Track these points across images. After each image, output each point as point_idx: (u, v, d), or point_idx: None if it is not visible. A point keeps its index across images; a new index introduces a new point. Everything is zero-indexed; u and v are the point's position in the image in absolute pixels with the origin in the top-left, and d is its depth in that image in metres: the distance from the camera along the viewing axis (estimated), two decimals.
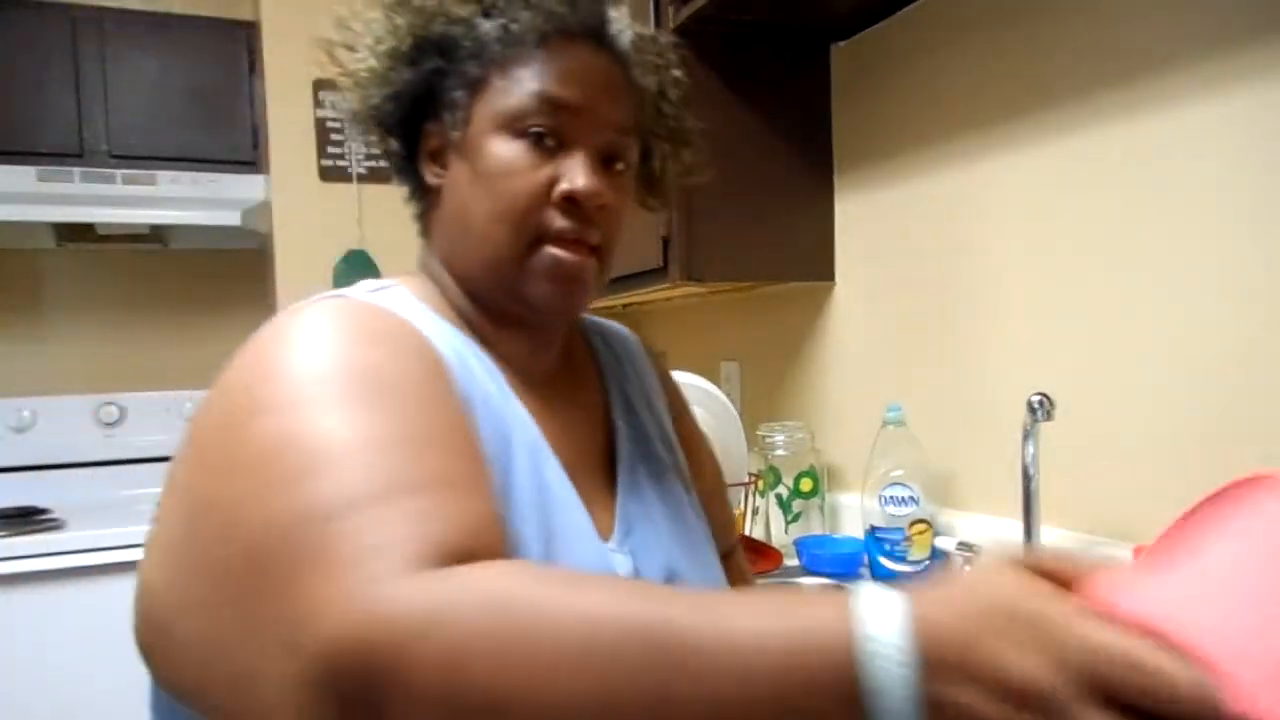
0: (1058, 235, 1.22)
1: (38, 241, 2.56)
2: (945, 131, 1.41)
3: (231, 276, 2.77)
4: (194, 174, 2.40)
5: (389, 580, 0.43)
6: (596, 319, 0.86)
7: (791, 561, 1.50)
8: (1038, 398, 1.10)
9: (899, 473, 1.34)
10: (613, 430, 0.77)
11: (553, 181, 0.66)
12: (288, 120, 2.40)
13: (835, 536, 1.60)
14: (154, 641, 0.57)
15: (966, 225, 1.38)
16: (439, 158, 0.71)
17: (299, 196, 2.41)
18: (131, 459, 2.49)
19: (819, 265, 1.67)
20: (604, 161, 0.68)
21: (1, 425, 2.43)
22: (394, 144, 0.73)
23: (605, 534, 0.69)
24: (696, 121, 0.78)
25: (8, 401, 2.45)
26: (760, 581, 1.39)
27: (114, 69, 2.35)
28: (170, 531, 0.56)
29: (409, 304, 0.67)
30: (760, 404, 1.91)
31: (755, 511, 1.64)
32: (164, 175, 2.37)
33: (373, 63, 0.69)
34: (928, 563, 1.32)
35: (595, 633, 0.40)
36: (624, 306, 2.27)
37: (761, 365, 1.94)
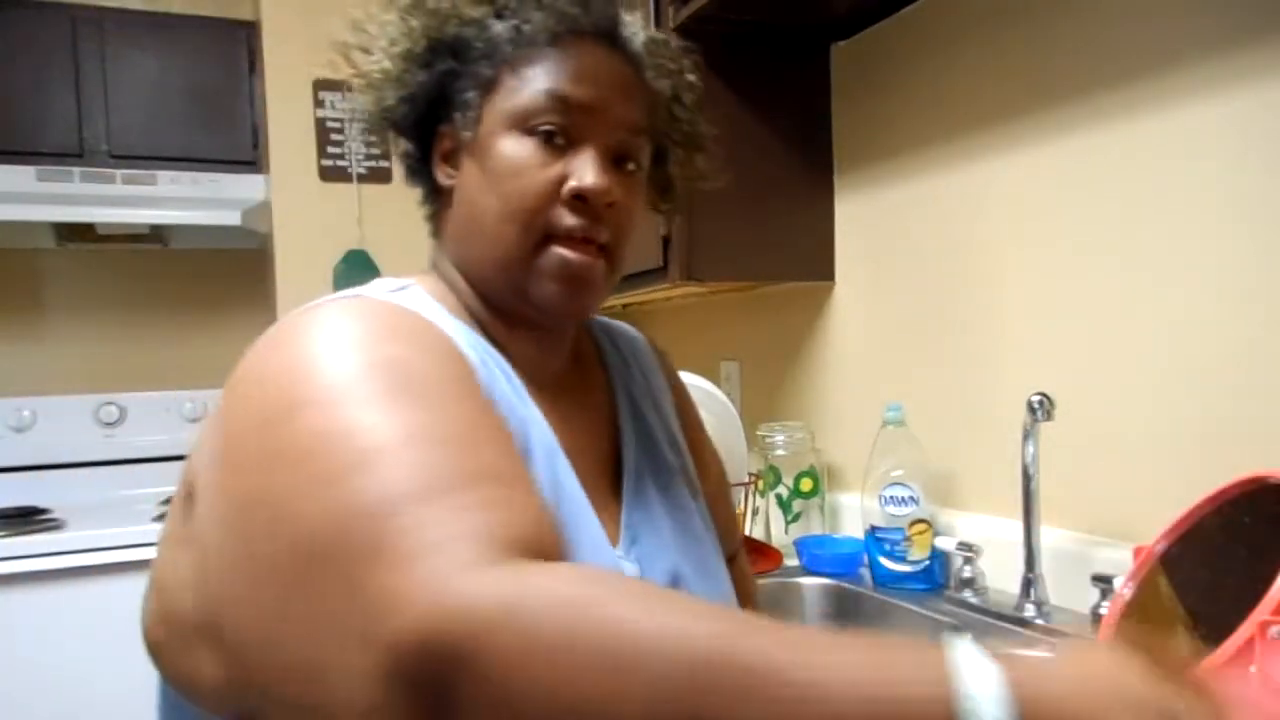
0: (1058, 235, 1.22)
1: (38, 241, 2.56)
2: (945, 131, 1.41)
3: (231, 276, 2.77)
4: (194, 174, 2.39)
5: (462, 571, 0.42)
6: (604, 319, 0.86)
7: (791, 561, 1.50)
8: (1038, 398, 1.10)
9: (899, 473, 1.34)
10: (618, 435, 0.77)
11: (562, 179, 0.65)
12: (288, 120, 2.40)
13: (835, 536, 1.60)
14: (166, 640, 0.57)
15: (966, 225, 1.38)
16: (451, 159, 0.70)
17: (299, 196, 2.41)
18: (131, 459, 2.49)
19: (819, 265, 1.67)
20: (615, 161, 0.68)
21: (1, 425, 2.43)
22: (407, 146, 0.73)
23: (612, 541, 0.69)
24: (710, 127, 0.78)
25: (8, 401, 2.44)
26: (760, 582, 1.39)
27: (114, 69, 2.35)
28: (203, 529, 0.55)
29: (428, 304, 0.67)
30: (760, 404, 1.91)
31: (755, 511, 1.64)
32: (164, 175, 2.37)
33: (387, 64, 0.69)
34: (927, 562, 1.32)
35: (678, 654, 0.39)
36: (624, 306, 2.27)
37: (761, 365, 1.94)
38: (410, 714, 0.41)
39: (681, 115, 0.76)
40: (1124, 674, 0.39)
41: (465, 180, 0.69)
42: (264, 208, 2.46)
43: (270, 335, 0.58)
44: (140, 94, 2.38)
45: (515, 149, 0.66)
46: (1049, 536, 1.16)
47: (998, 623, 1.16)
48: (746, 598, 0.86)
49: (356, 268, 2.41)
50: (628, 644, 0.39)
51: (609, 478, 0.74)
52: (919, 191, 1.47)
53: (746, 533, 1.59)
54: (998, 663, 0.39)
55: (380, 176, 2.46)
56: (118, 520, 2.00)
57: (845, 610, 1.39)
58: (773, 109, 1.62)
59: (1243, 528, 0.70)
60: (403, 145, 0.73)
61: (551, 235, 0.66)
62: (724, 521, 0.87)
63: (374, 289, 0.67)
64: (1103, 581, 1.05)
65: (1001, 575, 1.23)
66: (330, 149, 2.44)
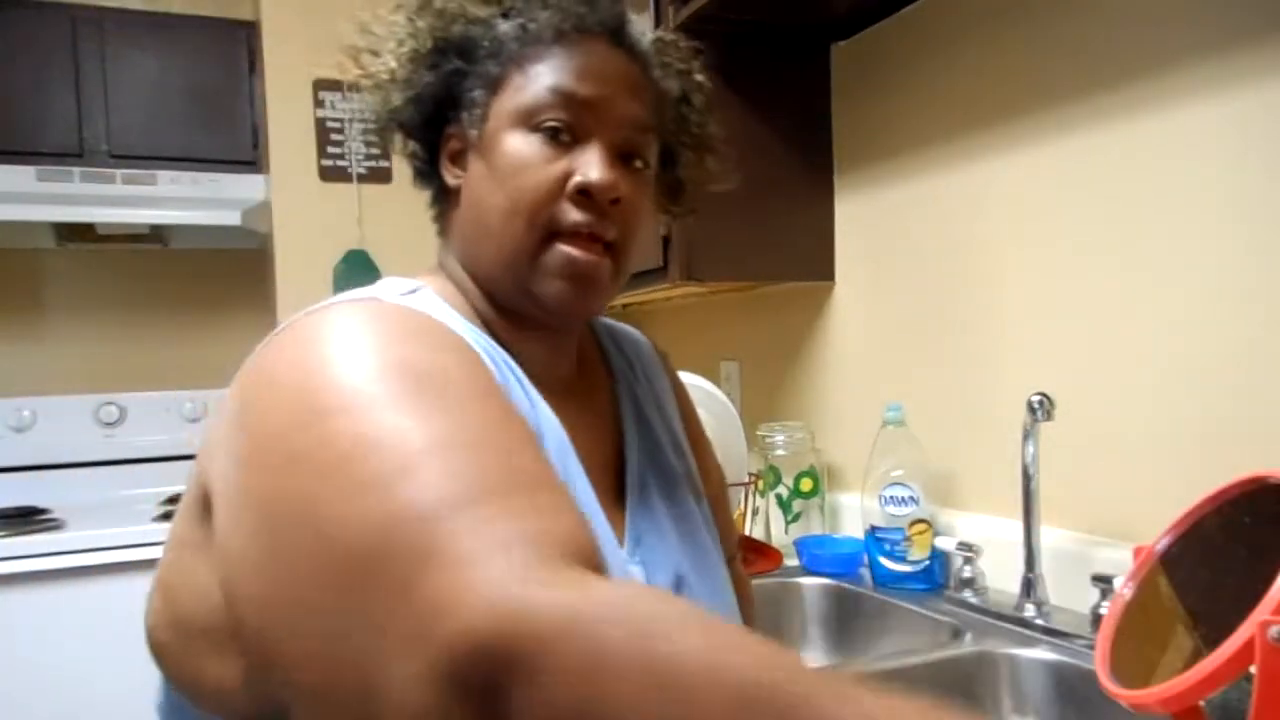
0: (1058, 235, 1.22)
1: (38, 241, 2.56)
2: (945, 131, 1.41)
3: (231, 276, 2.77)
4: (194, 174, 2.39)
5: (522, 576, 0.41)
6: (608, 321, 0.86)
7: (791, 561, 1.50)
8: (1038, 398, 1.10)
9: (899, 472, 1.34)
10: (622, 437, 0.76)
11: (567, 175, 0.65)
12: (288, 120, 2.40)
13: (835, 536, 1.60)
14: (171, 641, 0.57)
15: (966, 225, 1.38)
16: (459, 160, 0.70)
17: (299, 196, 2.41)
18: (131, 459, 2.49)
19: (819, 265, 1.68)
20: (622, 158, 0.68)
21: (1, 425, 2.43)
22: (415, 147, 0.73)
23: (617, 543, 0.69)
24: (720, 128, 0.78)
25: (8, 401, 2.44)
26: (760, 582, 1.39)
27: (114, 69, 2.35)
28: (225, 534, 0.54)
29: (440, 308, 0.66)
30: (760, 404, 1.92)
31: (755, 511, 1.64)
32: (164, 175, 2.37)
33: (394, 65, 0.69)
34: (927, 562, 1.32)
35: (740, 694, 0.38)
36: (624, 306, 2.27)
37: (761, 365, 1.94)
38: (461, 718, 0.40)
39: (691, 116, 0.76)
40: None
41: (472, 179, 0.68)
42: (264, 208, 2.46)
43: (288, 335, 0.56)
44: (140, 94, 2.38)
45: (521, 146, 0.66)
46: (1049, 536, 1.16)
47: (998, 623, 1.16)
48: (743, 600, 0.86)
49: (356, 268, 2.41)
50: (686, 676, 0.38)
51: (613, 480, 0.73)
52: (919, 191, 1.47)
53: (747, 533, 1.59)
54: None
55: (380, 176, 2.46)
56: (118, 520, 2.00)
57: (845, 610, 1.39)
58: (773, 109, 1.62)
59: (1243, 528, 0.70)
60: (410, 147, 0.73)
61: (557, 232, 0.65)
62: (723, 525, 0.87)
63: (385, 291, 0.65)
64: (1103, 581, 1.05)
65: (1001, 575, 1.23)
66: (330, 149, 2.44)
